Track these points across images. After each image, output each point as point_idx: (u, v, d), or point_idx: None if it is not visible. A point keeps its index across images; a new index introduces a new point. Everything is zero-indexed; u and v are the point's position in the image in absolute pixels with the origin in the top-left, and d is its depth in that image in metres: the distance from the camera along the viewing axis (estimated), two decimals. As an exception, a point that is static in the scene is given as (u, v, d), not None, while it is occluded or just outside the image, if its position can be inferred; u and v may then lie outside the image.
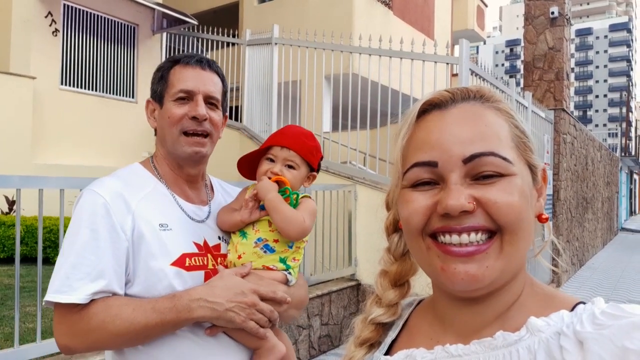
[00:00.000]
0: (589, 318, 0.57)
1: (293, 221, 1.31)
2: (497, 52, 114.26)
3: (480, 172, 0.63)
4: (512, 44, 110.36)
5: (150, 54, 9.37)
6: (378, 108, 5.76)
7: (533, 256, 0.74)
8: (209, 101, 1.36)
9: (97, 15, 8.59)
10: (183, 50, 9.84)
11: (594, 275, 9.90)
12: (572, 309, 0.62)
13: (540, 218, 0.68)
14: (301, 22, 9.71)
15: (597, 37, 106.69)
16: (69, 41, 8.22)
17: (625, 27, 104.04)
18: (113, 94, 8.81)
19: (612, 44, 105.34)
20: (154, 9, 8.89)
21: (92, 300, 1.16)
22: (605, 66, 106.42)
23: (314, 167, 1.42)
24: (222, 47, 9.24)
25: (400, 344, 0.75)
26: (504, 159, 0.63)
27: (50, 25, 7.92)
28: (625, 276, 9.83)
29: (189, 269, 1.26)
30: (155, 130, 1.41)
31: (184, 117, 1.32)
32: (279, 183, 1.34)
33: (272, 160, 1.37)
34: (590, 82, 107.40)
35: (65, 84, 8.20)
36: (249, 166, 1.41)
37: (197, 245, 1.31)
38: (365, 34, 6.77)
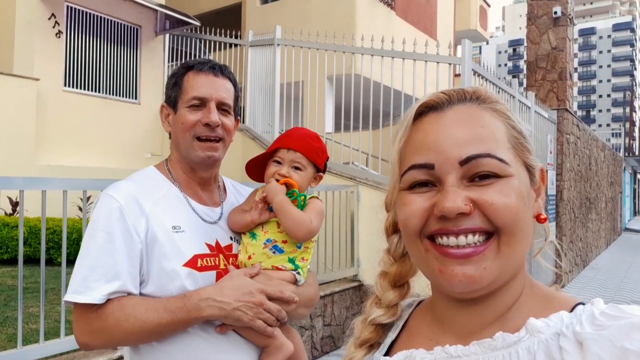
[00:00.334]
0: (589, 319, 0.57)
1: (300, 223, 1.34)
2: (499, 52, 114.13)
3: (477, 174, 0.63)
4: (515, 44, 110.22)
5: (153, 55, 9.39)
6: (380, 108, 5.76)
7: (532, 257, 0.74)
8: (222, 107, 1.39)
9: (100, 17, 8.63)
10: (185, 52, 9.86)
11: (597, 275, 9.88)
12: (572, 310, 0.62)
13: (538, 218, 0.68)
14: (303, 23, 9.72)
15: (601, 37, 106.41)
16: (72, 43, 8.26)
17: (629, 26, 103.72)
18: (116, 95, 8.84)
19: (616, 43, 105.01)
20: (156, 11, 8.92)
21: (108, 300, 1.22)
22: (609, 66, 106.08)
23: (320, 168, 1.44)
24: (225, 48, 9.26)
25: (399, 345, 0.75)
26: (501, 160, 0.63)
27: (54, 26, 7.95)
28: (628, 276, 9.80)
29: (201, 269, 1.31)
30: (170, 134, 1.45)
31: (197, 123, 1.36)
32: (287, 185, 1.37)
33: (279, 163, 1.40)
34: (594, 82, 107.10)
35: (69, 86, 8.23)
36: (256, 169, 1.45)
37: (209, 246, 1.35)
38: (367, 34, 6.78)
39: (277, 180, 1.37)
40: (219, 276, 1.33)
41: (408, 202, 0.66)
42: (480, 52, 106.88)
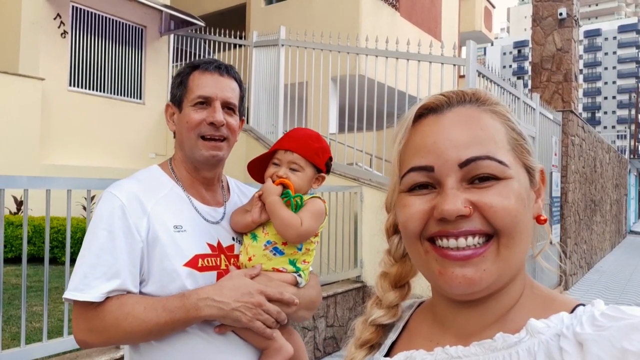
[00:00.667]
0: (589, 320, 0.58)
1: (288, 225, 1.33)
2: (504, 54, 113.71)
3: (477, 176, 0.63)
4: (519, 45, 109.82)
5: (158, 55, 9.42)
6: (384, 109, 5.76)
7: (533, 257, 0.74)
8: (227, 107, 1.39)
9: (105, 17, 8.66)
10: (190, 52, 9.89)
11: (602, 278, 9.84)
12: (572, 311, 0.62)
13: (539, 219, 0.69)
14: (308, 23, 9.72)
15: (606, 39, 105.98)
16: (77, 43, 8.29)
17: (635, 28, 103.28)
18: (121, 95, 8.87)
19: (621, 45, 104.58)
20: (161, 11, 8.94)
21: (107, 298, 1.22)
22: (614, 68, 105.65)
23: (321, 169, 1.43)
24: (229, 48, 9.27)
25: (400, 346, 0.75)
26: (500, 162, 0.63)
27: (59, 27, 7.98)
28: (633, 279, 9.76)
29: (202, 269, 1.31)
30: (174, 133, 1.45)
31: (202, 122, 1.36)
32: (284, 186, 1.36)
33: (277, 164, 1.40)
34: (599, 84, 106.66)
35: (74, 85, 8.26)
36: (258, 169, 1.45)
37: (210, 246, 1.35)
38: (371, 35, 6.78)
39: (274, 181, 1.37)
40: (219, 277, 1.32)
41: (408, 204, 0.67)
42: (485, 54, 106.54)
